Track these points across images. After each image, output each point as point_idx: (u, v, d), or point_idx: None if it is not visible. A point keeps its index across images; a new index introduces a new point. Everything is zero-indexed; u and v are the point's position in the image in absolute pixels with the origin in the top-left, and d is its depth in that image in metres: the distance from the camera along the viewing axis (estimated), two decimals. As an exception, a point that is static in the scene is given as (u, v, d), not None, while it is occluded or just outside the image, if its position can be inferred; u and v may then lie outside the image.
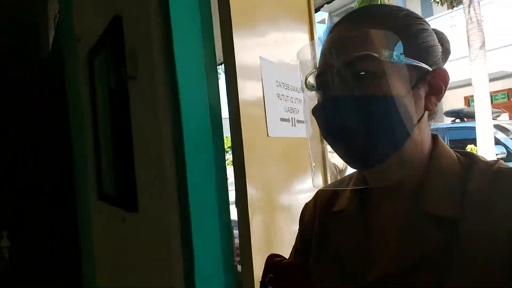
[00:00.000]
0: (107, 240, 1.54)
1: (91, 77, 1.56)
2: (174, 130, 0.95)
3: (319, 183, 0.73)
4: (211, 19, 1.01)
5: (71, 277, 1.80)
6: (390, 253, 0.55)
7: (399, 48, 0.53)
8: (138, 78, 1.10)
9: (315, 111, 0.57)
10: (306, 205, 0.76)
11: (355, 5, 9.11)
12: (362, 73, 0.53)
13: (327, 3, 2.92)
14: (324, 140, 0.60)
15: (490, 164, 0.55)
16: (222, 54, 0.99)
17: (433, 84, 0.56)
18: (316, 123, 0.59)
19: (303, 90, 0.62)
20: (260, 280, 0.68)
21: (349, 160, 0.56)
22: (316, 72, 0.58)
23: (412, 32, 0.55)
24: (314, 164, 0.70)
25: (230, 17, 0.96)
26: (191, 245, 0.92)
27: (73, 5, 1.58)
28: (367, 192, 0.64)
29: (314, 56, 0.63)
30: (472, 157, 0.57)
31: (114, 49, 1.18)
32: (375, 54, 0.53)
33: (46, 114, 1.99)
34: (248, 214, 0.94)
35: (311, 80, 0.60)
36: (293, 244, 0.77)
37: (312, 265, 0.67)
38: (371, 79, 0.52)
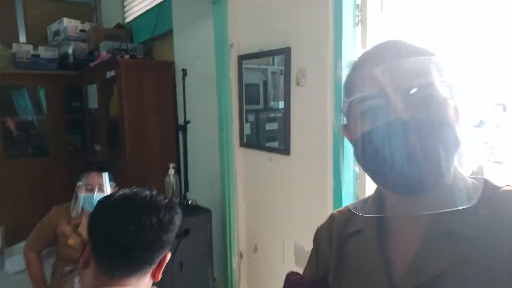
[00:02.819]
0: (249, 174, 2.53)
1: (240, 71, 2.47)
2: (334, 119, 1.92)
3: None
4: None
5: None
6: (410, 270, 0.58)
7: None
8: (304, 85, 2.03)
9: (374, 132, 0.57)
10: (320, 228, 0.80)
11: None
12: (430, 98, 0.55)
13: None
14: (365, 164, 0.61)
15: (499, 187, 0.58)
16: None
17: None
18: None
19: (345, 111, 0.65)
20: None
21: (402, 183, 0.55)
22: (367, 95, 0.58)
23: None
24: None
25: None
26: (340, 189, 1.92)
27: (228, 18, 2.43)
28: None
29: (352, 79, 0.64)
30: (486, 182, 0.60)
31: (285, 67, 2.10)
32: (443, 81, 0.56)
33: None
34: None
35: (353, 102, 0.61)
36: (306, 264, 0.83)
37: (332, 285, 0.70)
38: (436, 104, 0.55)
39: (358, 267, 0.66)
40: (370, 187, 1.83)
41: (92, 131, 3.93)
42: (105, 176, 1.93)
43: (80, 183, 1.91)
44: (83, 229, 1.92)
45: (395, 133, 0.54)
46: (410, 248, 0.60)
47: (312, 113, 2.02)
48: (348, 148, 1.85)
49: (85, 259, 0.91)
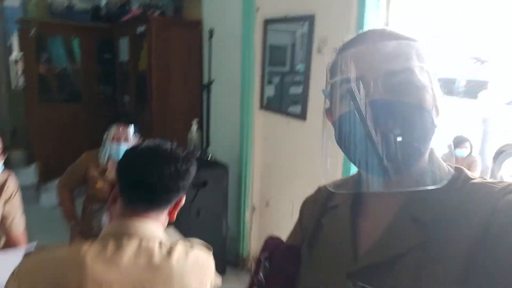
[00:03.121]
0: (267, 135, 2.66)
1: (264, 35, 2.54)
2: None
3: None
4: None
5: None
6: (375, 247, 0.62)
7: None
8: (323, 53, 2.11)
9: (351, 114, 0.58)
10: (307, 199, 0.85)
11: None
12: (406, 82, 0.57)
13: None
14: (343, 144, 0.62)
15: (472, 178, 0.60)
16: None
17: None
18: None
19: (328, 93, 0.66)
20: (258, 257, 0.78)
21: (375, 165, 0.57)
22: (346, 77, 0.59)
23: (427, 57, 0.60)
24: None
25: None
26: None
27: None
28: (360, 192, 0.69)
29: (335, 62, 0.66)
30: (461, 171, 0.62)
31: (309, 34, 2.16)
32: (423, 66, 0.58)
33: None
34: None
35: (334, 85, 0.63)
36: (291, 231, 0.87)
37: (305, 250, 0.75)
38: (412, 89, 0.57)
39: (329, 238, 0.71)
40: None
41: (122, 83, 4.11)
42: (131, 128, 2.10)
43: (108, 133, 2.09)
44: (110, 174, 2.12)
45: (369, 115, 0.56)
46: (378, 228, 0.63)
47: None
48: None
49: (113, 196, 1.08)
